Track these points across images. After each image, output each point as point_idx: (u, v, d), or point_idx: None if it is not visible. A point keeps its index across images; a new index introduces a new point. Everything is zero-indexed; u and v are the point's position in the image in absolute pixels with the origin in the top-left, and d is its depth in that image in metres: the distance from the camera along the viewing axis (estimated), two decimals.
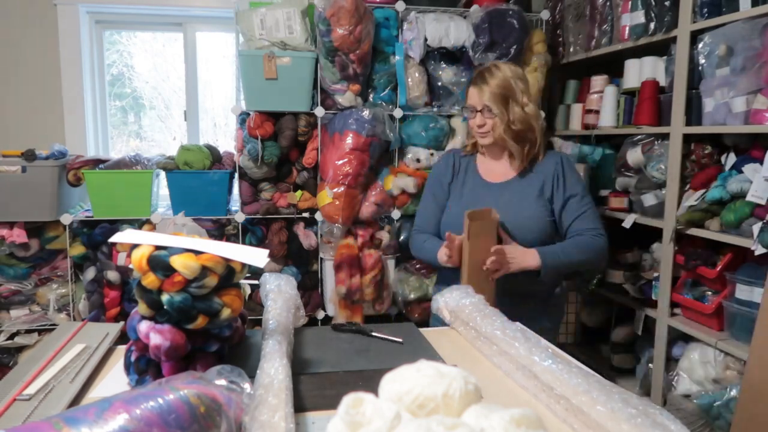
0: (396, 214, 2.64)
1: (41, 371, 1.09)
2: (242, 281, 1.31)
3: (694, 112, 2.11)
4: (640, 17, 2.30)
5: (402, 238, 2.66)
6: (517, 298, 1.74)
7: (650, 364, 2.30)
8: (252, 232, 2.61)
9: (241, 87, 2.49)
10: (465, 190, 1.88)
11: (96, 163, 2.49)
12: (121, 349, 1.27)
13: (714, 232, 1.98)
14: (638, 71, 2.46)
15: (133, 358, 1.06)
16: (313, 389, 1.10)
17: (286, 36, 2.42)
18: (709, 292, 2.09)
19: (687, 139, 2.14)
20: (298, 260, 2.63)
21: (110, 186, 2.42)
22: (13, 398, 0.98)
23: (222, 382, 0.86)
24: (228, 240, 2.61)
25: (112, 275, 2.40)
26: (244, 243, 2.61)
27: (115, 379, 1.12)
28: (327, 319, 2.71)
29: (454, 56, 2.66)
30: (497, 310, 1.36)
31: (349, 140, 2.42)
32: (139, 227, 2.49)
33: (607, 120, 2.64)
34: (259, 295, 1.80)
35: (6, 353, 2.46)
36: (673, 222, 2.14)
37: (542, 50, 2.72)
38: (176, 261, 0.98)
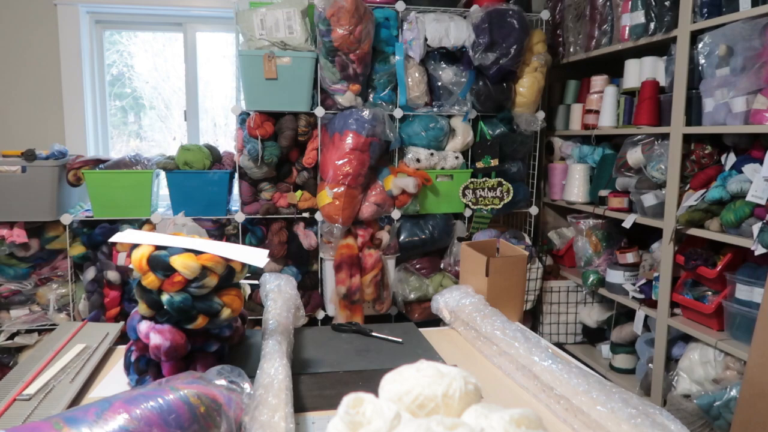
0: (396, 214, 2.63)
1: (41, 371, 1.09)
2: (242, 281, 1.32)
3: (694, 112, 2.11)
4: (640, 17, 2.30)
5: (402, 238, 2.66)
6: None
7: (650, 364, 2.30)
8: (252, 232, 2.60)
9: (241, 87, 2.49)
10: None
11: (96, 163, 2.49)
12: (121, 349, 1.27)
13: (714, 232, 1.98)
14: (638, 71, 2.46)
15: (133, 358, 1.06)
16: (313, 389, 1.10)
17: (286, 36, 2.42)
18: (709, 292, 2.09)
19: (687, 139, 2.14)
20: (298, 260, 2.63)
21: (110, 186, 2.43)
22: (13, 398, 0.98)
23: (222, 382, 0.86)
24: (228, 240, 2.61)
25: (112, 275, 2.40)
26: (244, 243, 2.61)
27: (115, 379, 1.12)
28: (327, 319, 2.71)
29: (454, 56, 2.66)
30: (497, 310, 1.36)
31: (349, 140, 2.42)
32: (139, 227, 2.49)
33: (607, 120, 2.64)
34: (259, 295, 1.80)
35: (6, 353, 2.46)
36: (673, 222, 2.14)
37: (542, 50, 2.72)
38: (176, 261, 0.98)
